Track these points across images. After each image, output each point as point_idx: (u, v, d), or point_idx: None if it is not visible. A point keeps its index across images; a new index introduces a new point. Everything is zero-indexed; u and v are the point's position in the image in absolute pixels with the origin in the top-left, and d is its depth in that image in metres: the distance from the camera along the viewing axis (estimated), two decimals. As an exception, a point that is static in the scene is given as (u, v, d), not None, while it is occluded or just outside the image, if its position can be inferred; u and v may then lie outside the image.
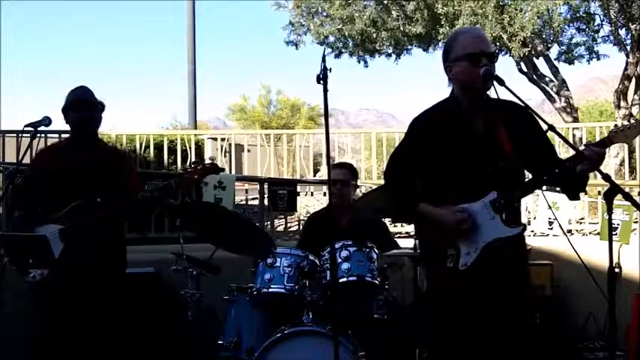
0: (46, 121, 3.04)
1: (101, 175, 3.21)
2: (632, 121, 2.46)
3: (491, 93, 2.50)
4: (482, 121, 2.53)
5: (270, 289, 3.30)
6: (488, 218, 2.45)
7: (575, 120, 10.72)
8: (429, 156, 2.54)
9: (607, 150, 2.41)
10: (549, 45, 10.49)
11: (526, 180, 2.58)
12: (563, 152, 7.52)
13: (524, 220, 6.11)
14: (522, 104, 2.49)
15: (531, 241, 5.19)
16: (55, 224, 3.10)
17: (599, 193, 6.46)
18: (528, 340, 2.51)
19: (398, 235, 5.78)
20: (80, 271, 3.06)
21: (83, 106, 3.26)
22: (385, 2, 10.03)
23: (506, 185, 2.45)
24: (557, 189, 3.45)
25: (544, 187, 2.92)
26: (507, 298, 2.45)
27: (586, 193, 6.95)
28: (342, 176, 3.90)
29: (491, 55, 2.48)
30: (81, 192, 3.15)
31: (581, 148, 2.45)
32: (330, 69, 2.36)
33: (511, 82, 2.39)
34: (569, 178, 2.43)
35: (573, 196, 2.66)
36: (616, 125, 2.49)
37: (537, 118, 2.54)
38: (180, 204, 4.26)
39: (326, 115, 2.46)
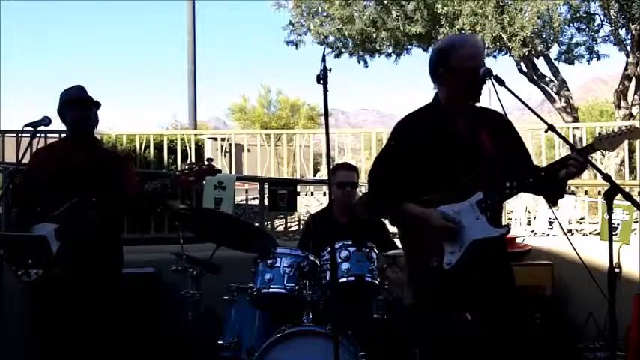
0: (46, 121, 3.04)
1: (98, 175, 3.21)
2: (616, 129, 2.49)
3: (491, 93, 2.51)
4: (465, 125, 2.59)
5: (270, 289, 3.29)
6: (473, 218, 2.48)
7: (575, 120, 10.73)
8: (412, 159, 2.57)
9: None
10: (549, 45, 10.50)
11: (508, 184, 2.59)
12: (564, 153, 7.52)
13: (524, 220, 6.23)
14: (522, 108, 2.50)
15: (531, 241, 5.21)
16: (51, 223, 3.10)
17: (599, 193, 6.45)
18: (520, 337, 2.52)
19: (398, 235, 5.77)
20: (76, 270, 3.06)
21: (81, 105, 3.26)
22: (385, 2, 10.04)
23: (488, 188, 2.48)
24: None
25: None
26: (493, 296, 2.47)
27: (586, 193, 6.95)
28: (353, 179, 3.95)
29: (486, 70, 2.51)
30: (77, 191, 3.14)
31: (570, 153, 2.49)
32: (330, 69, 2.35)
33: (511, 82, 2.39)
34: (551, 184, 2.48)
35: (552, 202, 2.69)
36: (600, 134, 2.52)
37: (538, 117, 2.54)
38: (180, 208, 4.24)
39: (326, 115, 2.46)
